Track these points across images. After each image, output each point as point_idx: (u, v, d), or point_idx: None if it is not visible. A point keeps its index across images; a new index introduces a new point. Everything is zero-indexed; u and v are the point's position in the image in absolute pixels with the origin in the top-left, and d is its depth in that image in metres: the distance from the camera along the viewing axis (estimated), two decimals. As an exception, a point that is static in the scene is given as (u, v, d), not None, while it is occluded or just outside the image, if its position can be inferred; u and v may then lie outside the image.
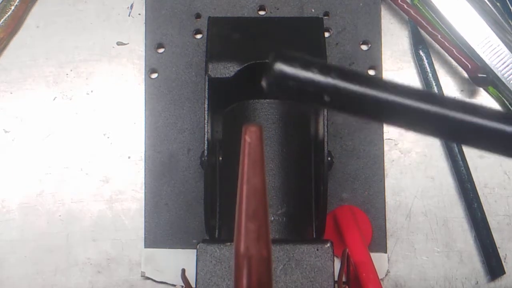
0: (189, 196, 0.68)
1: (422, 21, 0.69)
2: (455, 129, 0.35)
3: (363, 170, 0.69)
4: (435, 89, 0.69)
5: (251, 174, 0.35)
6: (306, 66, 0.33)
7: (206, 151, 0.60)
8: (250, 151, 0.35)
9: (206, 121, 0.60)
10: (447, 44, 0.68)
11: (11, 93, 0.71)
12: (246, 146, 0.35)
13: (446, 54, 0.69)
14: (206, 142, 0.60)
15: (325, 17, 0.71)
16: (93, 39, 0.71)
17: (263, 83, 0.34)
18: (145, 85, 0.70)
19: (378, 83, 0.34)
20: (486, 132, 0.35)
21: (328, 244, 0.56)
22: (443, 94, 0.69)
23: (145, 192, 0.69)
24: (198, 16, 0.71)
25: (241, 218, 0.36)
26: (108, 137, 0.70)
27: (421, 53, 0.70)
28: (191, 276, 0.57)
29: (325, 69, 0.34)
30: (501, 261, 0.67)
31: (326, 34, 0.70)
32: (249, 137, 0.35)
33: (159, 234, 0.68)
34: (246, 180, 0.35)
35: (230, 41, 0.63)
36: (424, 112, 0.34)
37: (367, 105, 0.34)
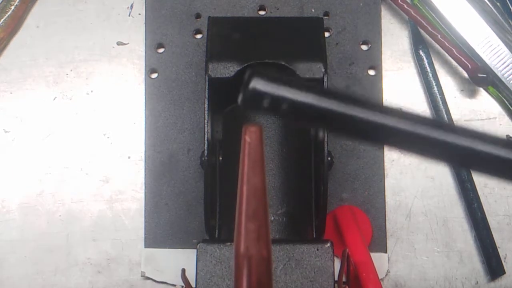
0: (189, 196, 0.68)
1: (422, 21, 0.69)
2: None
3: (363, 170, 0.69)
4: (435, 89, 0.69)
5: (251, 174, 0.35)
6: (280, 84, 0.34)
7: (206, 151, 0.60)
8: (250, 151, 0.35)
9: (206, 121, 0.60)
10: (447, 44, 0.68)
11: (11, 93, 0.71)
12: (246, 146, 0.35)
13: (446, 54, 0.69)
14: (206, 142, 0.60)
15: (325, 17, 0.71)
16: (93, 39, 0.71)
17: (239, 98, 0.35)
18: (145, 85, 0.70)
19: (354, 102, 0.35)
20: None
21: (328, 244, 0.56)
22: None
23: (145, 192, 0.69)
24: (198, 16, 0.71)
25: (241, 218, 0.36)
26: (108, 137, 0.70)
27: (421, 53, 0.70)
28: (191, 276, 0.57)
29: (300, 87, 0.35)
30: (501, 261, 0.67)
31: (326, 34, 0.70)
32: (249, 137, 0.35)
33: (159, 234, 0.68)
34: (246, 180, 0.35)
35: (230, 41, 0.63)
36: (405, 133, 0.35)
37: (344, 123, 0.35)
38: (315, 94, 0.35)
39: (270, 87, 0.34)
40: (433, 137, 0.35)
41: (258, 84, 0.34)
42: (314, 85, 0.35)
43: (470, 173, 0.68)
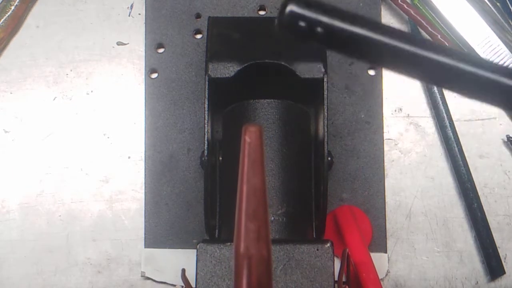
0: (189, 196, 0.68)
1: (422, 21, 0.69)
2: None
3: (363, 170, 0.69)
4: (435, 89, 0.69)
5: (251, 174, 0.35)
6: (317, 8, 0.35)
7: (206, 151, 0.60)
8: (250, 151, 0.35)
9: (206, 121, 0.60)
10: (447, 44, 0.68)
11: (11, 93, 0.71)
12: (246, 146, 0.35)
13: (446, 54, 0.69)
14: (206, 142, 0.60)
15: (325, 17, 0.70)
16: (93, 39, 0.71)
17: (275, 22, 0.36)
18: (145, 85, 0.70)
19: (384, 28, 0.36)
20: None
21: (328, 244, 0.56)
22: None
23: (145, 192, 0.69)
24: (198, 16, 0.71)
25: (241, 218, 0.36)
26: (108, 137, 0.70)
27: (421, 53, 0.70)
28: (191, 276, 0.57)
29: (335, 13, 0.36)
30: (501, 261, 0.67)
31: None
32: (249, 137, 0.35)
33: (159, 234, 0.68)
34: (246, 180, 0.35)
35: (230, 41, 0.63)
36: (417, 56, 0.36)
37: (373, 48, 0.36)
38: (351, 21, 0.35)
39: (306, 11, 0.35)
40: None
41: (295, 7, 0.35)
42: (350, 13, 0.36)
43: (470, 173, 0.68)
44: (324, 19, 0.35)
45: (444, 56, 0.35)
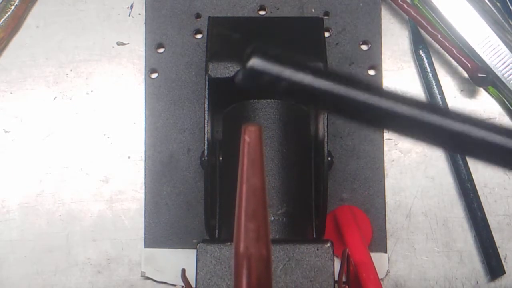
0: (189, 196, 0.68)
1: (422, 21, 0.69)
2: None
3: (363, 170, 0.69)
4: (435, 89, 0.69)
5: (250, 173, 0.35)
6: (280, 62, 0.34)
7: (206, 151, 0.60)
8: (250, 151, 0.35)
9: (206, 121, 0.60)
10: (447, 44, 0.68)
11: (11, 93, 0.71)
12: (245, 146, 0.35)
13: (446, 54, 0.69)
14: (206, 142, 0.60)
15: (325, 17, 0.71)
16: (93, 39, 0.71)
17: (238, 76, 0.35)
18: (145, 85, 0.70)
19: (353, 84, 0.35)
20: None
21: (328, 244, 0.56)
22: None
23: (145, 192, 0.69)
24: (198, 16, 0.71)
25: (240, 217, 0.36)
26: (108, 137, 0.70)
27: (421, 53, 0.70)
28: (191, 276, 0.57)
29: (299, 67, 0.34)
30: (501, 261, 0.67)
31: (326, 34, 0.70)
32: (248, 137, 0.35)
33: (159, 234, 0.68)
34: (246, 180, 0.35)
35: (230, 41, 0.63)
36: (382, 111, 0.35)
37: (339, 103, 0.35)
38: (314, 76, 0.34)
39: (269, 66, 0.34)
40: (429, 121, 0.35)
41: (256, 63, 0.34)
42: (313, 66, 0.35)
43: (470, 173, 0.68)
44: (287, 75, 0.34)
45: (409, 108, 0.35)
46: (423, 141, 0.36)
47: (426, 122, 0.34)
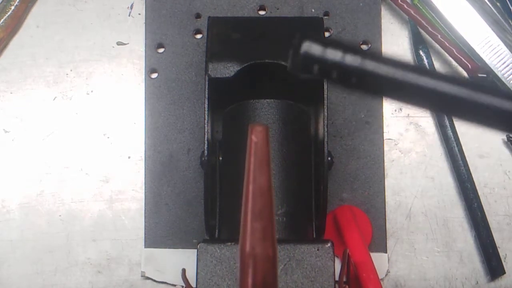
0: (189, 196, 0.68)
1: (422, 21, 0.69)
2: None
3: (363, 170, 0.69)
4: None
5: (257, 173, 0.35)
6: (332, 48, 0.34)
7: (206, 151, 0.60)
8: (257, 151, 0.35)
9: (206, 121, 0.60)
10: (447, 44, 0.69)
11: (11, 93, 0.71)
12: (252, 145, 0.35)
13: (446, 54, 0.69)
14: (206, 142, 0.60)
15: (325, 17, 0.71)
16: (93, 39, 0.71)
17: (289, 63, 0.34)
18: (145, 85, 0.70)
19: (403, 65, 0.34)
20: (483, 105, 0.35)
21: (329, 244, 0.56)
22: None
23: (145, 192, 0.69)
24: (198, 16, 0.71)
25: (246, 217, 0.36)
26: (108, 137, 0.70)
27: (421, 53, 0.70)
28: (191, 276, 0.57)
29: (350, 52, 0.34)
30: (501, 261, 0.68)
31: (326, 34, 0.70)
32: (255, 136, 0.35)
33: (159, 234, 0.68)
34: (253, 180, 0.35)
35: (230, 41, 0.63)
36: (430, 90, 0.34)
37: (391, 86, 0.34)
38: (366, 60, 0.34)
39: (322, 52, 0.33)
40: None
41: (309, 48, 0.34)
42: (364, 51, 0.34)
43: (470, 173, 0.68)
44: (340, 60, 0.33)
45: (456, 85, 0.34)
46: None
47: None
